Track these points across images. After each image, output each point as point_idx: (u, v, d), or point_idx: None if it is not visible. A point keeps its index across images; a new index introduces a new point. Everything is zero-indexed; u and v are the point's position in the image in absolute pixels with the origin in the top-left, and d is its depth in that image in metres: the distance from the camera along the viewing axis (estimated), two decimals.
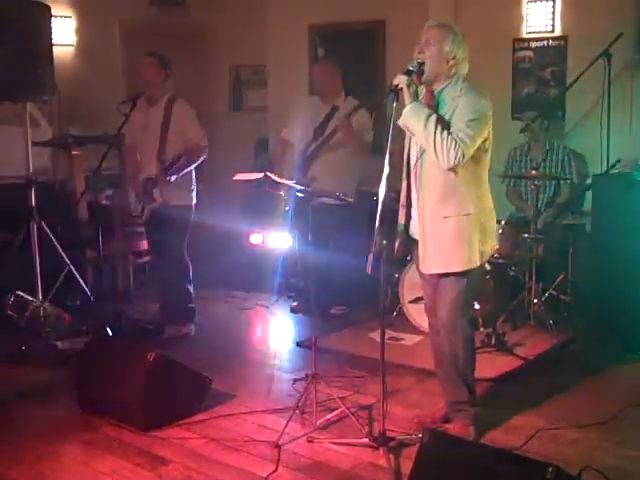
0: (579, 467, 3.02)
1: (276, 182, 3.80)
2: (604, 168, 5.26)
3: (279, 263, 6.26)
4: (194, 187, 5.33)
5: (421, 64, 3.48)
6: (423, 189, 3.58)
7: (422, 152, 3.55)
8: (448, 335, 3.65)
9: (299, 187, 3.86)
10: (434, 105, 3.52)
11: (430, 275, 3.68)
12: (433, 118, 3.41)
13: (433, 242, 3.58)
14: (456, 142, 3.37)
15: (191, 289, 5.44)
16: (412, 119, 3.45)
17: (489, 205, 3.65)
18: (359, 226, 5.47)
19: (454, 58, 3.50)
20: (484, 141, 3.51)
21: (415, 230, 3.68)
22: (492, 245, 3.68)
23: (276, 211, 5.80)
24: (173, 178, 5.11)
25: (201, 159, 5.23)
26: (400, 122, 3.50)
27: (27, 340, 5.04)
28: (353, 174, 5.69)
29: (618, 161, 5.17)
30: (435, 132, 3.38)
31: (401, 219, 3.73)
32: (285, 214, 5.62)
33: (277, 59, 7.43)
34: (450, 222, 3.52)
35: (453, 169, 3.45)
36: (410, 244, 3.73)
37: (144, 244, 6.15)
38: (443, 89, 3.54)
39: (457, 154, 3.38)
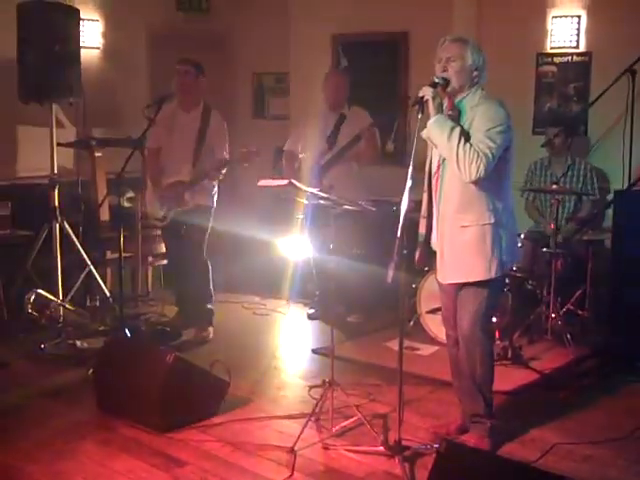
0: None
1: (300, 189, 3.82)
2: (626, 184, 5.26)
3: (296, 270, 6.28)
4: (216, 190, 5.38)
5: (446, 80, 3.50)
6: (443, 199, 3.60)
7: (443, 162, 3.57)
8: (467, 346, 3.66)
9: (323, 194, 3.88)
10: (456, 115, 3.54)
11: (448, 285, 3.69)
12: (457, 131, 3.43)
13: (451, 251, 3.59)
14: (478, 155, 3.39)
15: (211, 290, 5.47)
16: (436, 131, 3.47)
17: (511, 216, 3.66)
18: (378, 235, 5.50)
19: (477, 69, 3.54)
20: (505, 150, 3.51)
21: (435, 241, 3.70)
22: (512, 256, 3.68)
23: (294, 218, 5.84)
24: (220, 177, 5.26)
25: (223, 172, 5.30)
26: (424, 134, 3.52)
27: (47, 339, 5.10)
28: (365, 182, 5.77)
29: None
30: (458, 145, 3.40)
31: (422, 230, 3.76)
32: (301, 222, 5.67)
33: (300, 68, 7.47)
34: (469, 231, 3.53)
35: (474, 182, 3.46)
36: (430, 255, 3.75)
37: (162, 247, 6.19)
38: (463, 99, 3.56)
39: (479, 167, 3.39)
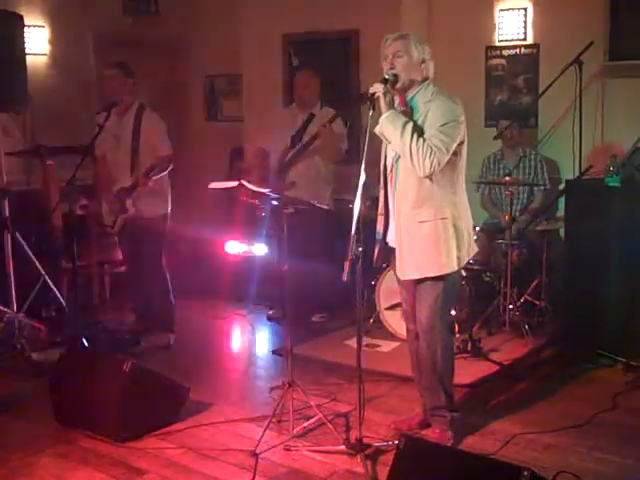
0: (554, 471, 3.06)
1: (251, 190, 3.80)
2: (576, 174, 5.32)
3: (254, 271, 6.26)
4: (168, 196, 5.33)
5: (396, 75, 3.51)
6: (398, 195, 3.60)
7: (397, 158, 3.58)
8: (427, 340, 3.67)
9: (274, 195, 3.86)
10: (409, 111, 3.55)
11: (407, 281, 3.69)
12: (409, 126, 3.43)
13: (409, 247, 3.59)
14: (431, 149, 3.40)
15: (171, 298, 5.43)
16: (389, 127, 3.47)
17: (465, 210, 3.68)
18: (336, 234, 5.49)
19: (423, 61, 3.55)
20: (459, 144, 3.53)
21: (393, 238, 3.70)
22: (469, 250, 3.70)
23: (249, 220, 5.82)
24: (150, 184, 5.07)
25: (169, 169, 5.22)
26: (377, 130, 3.52)
27: (1, 352, 5.01)
28: (330, 181, 5.77)
29: (590, 167, 5.22)
30: (411, 140, 3.41)
31: (379, 228, 3.76)
32: (261, 222, 5.65)
33: (252, 69, 7.44)
34: (426, 227, 3.54)
35: (429, 176, 3.47)
36: (388, 252, 3.75)
37: (119, 254, 6.12)
38: (415, 95, 3.57)
39: (432, 162, 3.40)
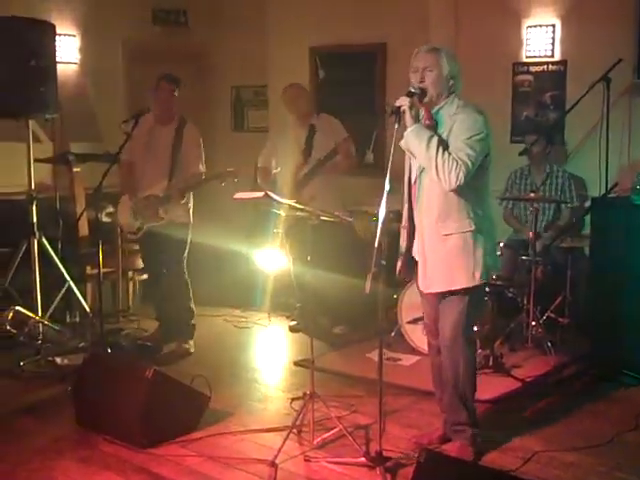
0: None
1: (276, 201, 3.81)
2: (602, 191, 5.29)
3: (276, 283, 6.28)
4: (191, 205, 5.38)
5: (423, 89, 3.51)
6: (423, 208, 3.60)
7: (421, 171, 3.58)
8: (450, 355, 3.66)
9: (300, 206, 3.88)
10: (433, 124, 3.55)
11: (430, 294, 3.69)
12: (435, 140, 3.44)
13: (433, 260, 3.59)
14: (457, 163, 3.40)
15: (192, 306, 5.46)
16: (414, 141, 3.48)
17: (491, 223, 3.68)
18: (358, 246, 5.51)
19: (453, 77, 3.55)
20: (484, 157, 3.53)
21: (417, 251, 3.70)
22: (494, 263, 3.69)
23: (271, 231, 5.86)
24: (184, 200, 5.23)
25: (202, 185, 5.30)
26: (402, 144, 3.53)
27: (26, 356, 5.06)
28: (343, 194, 5.83)
29: (616, 185, 5.20)
30: (437, 154, 3.41)
31: (403, 241, 3.76)
32: (276, 234, 5.69)
33: (278, 80, 7.44)
34: (451, 240, 3.54)
35: (454, 189, 3.47)
36: (412, 265, 3.75)
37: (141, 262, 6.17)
38: (440, 108, 3.57)
39: (458, 175, 3.40)
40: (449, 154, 3.42)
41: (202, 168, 5.32)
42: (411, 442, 3.85)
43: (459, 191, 3.49)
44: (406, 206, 3.73)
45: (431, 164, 3.44)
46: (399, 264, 3.77)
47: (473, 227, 3.55)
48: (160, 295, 5.59)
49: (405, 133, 3.50)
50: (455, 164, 3.40)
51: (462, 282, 3.56)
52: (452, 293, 3.59)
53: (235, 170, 5.20)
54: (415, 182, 3.64)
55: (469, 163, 3.42)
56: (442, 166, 3.41)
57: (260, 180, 5.89)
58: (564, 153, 6.05)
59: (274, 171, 5.82)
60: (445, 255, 3.57)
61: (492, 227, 3.70)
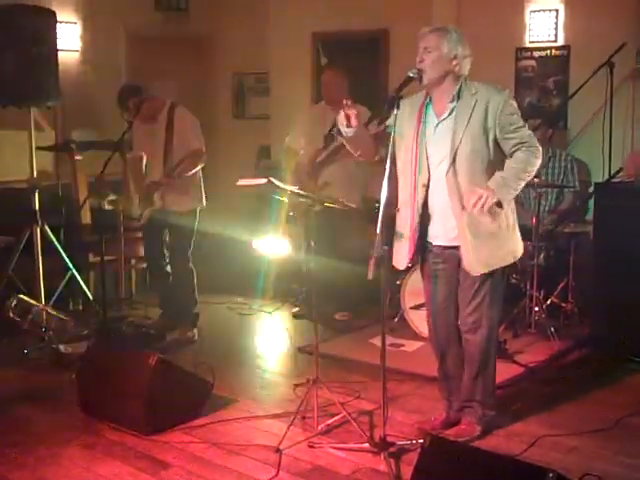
0: (579, 474, 3.04)
1: (279, 188, 3.81)
2: (606, 176, 5.28)
3: (277, 269, 6.27)
4: (200, 193, 5.36)
5: (420, 71, 3.48)
6: (461, 194, 3.53)
7: (452, 160, 3.51)
8: (487, 333, 3.67)
9: (303, 193, 3.87)
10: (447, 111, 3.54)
11: (456, 274, 3.67)
12: (506, 175, 3.47)
13: (474, 243, 3.56)
14: (531, 153, 3.47)
15: (195, 294, 5.46)
16: (509, 194, 3.50)
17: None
18: (364, 232, 5.50)
19: (455, 57, 3.50)
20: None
21: (434, 234, 3.66)
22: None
23: (275, 217, 5.83)
24: (176, 180, 5.14)
25: (200, 165, 5.26)
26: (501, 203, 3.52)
27: (29, 344, 5.07)
28: (361, 182, 5.76)
29: (620, 170, 5.18)
30: (521, 176, 3.48)
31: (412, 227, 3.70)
32: (280, 220, 5.67)
33: (280, 67, 7.46)
34: (493, 221, 3.56)
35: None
36: (422, 250, 3.71)
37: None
38: (460, 90, 3.53)
39: (538, 158, 3.49)
40: (516, 161, 3.47)
41: (198, 145, 5.23)
42: (414, 427, 3.85)
43: (489, 171, 3.50)
44: (421, 193, 3.61)
45: (527, 179, 3.51)
46: (411, 250, 3.67)
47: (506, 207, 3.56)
48: (163, 283, 5.59)
49: (497, 193, 3.46)
50: (529, 157, 3.46)
51: (505, 260, 3.62)
52: (487, 275, 3.60)
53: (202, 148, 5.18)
54: (448, 172, 3.55)
55: (534, 142, 3.48)
56: (526, 174, 3.48)
57: (285, 160, 5.88)
58: (567, 138, 6.03)
59: (301, 152, 5.78)
60: (488, 235, 3.56)
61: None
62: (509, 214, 3.62)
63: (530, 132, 3.54)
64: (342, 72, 5.81)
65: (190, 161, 5.18)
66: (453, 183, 3.54)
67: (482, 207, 3.40)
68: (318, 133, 5.64)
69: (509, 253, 3.65)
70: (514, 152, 3.51)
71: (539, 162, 3.51)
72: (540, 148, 3.52)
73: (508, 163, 3.51)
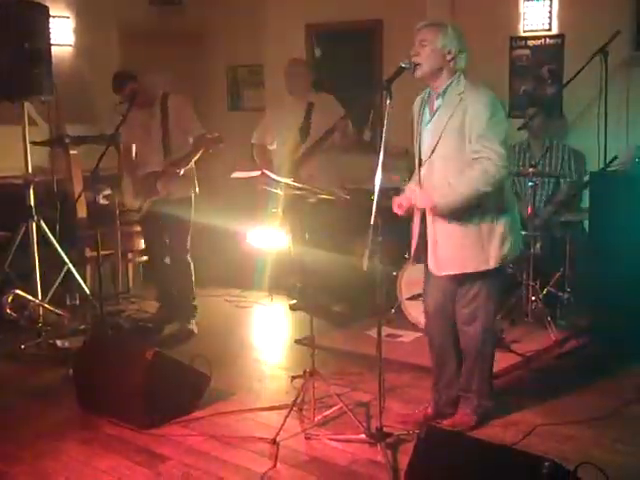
0: (576, 463, 3.02)
1: (273, 180, 3.81)
2: (601, 165, 5.28)
3: (271, 262, 6.26)
4: (195, 179, 5.35)
5: (414, 64, 3.48)
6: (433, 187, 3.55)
7: (432, 152, 3.53)
8: (482, 327, 3.68)
9: (297, 184, 3.87)
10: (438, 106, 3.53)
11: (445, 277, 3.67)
12: (451, 187, 3.44)
13: (450, 243, 3.57)
14: (481, 165, 3.40)
15: (194, 288, 5.46)
16: (446, 206, 3.47)
17: (510, 204, 3.67)
18: (356, 224, 5.49)
19: (450, 52, 3.50)
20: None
21: (429, 231, 3.66)
22: (512, 246, 3.66)
23: (269, 210, 5.83)
24: (182, 171, 5.13)
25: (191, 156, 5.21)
26: (442, 211, 3.52)
27: (26, 339, 5.07)
28: (341, 172, 5.81)
29: (615, 158, 5.18)
30: (465, 188, 3.43)
31: (416, 220, 3.73)
32: (277, 213, 5.66)
33: (274, 59, 7.43)
34: (460, 225, 3.54)
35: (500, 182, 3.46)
36: (426, 248, 3.70)
37: (142, 243, 6.16)
38: (448, 86, 3.53)
39: (494, 177, 3.41)
40: (469, 171, 3.41)
41: (202, 130, 5.21)
42: (397, 421, 3.81)
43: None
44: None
45: (473, 193, 3.43)
46: (413, 246, 3.75)
47: (494, 210, 3.54)
48: (162, 276, 5.59)
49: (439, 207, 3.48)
50: (479, 173, 3.40)
51: (477, 265, 3.57)
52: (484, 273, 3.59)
53: (219, 135, 5.13)
54: (422, 164, 3.61)
55: (496, 157, 3.39)
56: (475, 183, 3.41)
57: (257, 158, 5.87)
58: (563, 127, 6.02)
59: (270, 147, 5.79)
60: (454, 238, 3.56)
61: (511, 207, 3.66)
62: (492, 221, 3.55)
63: (497, 148, 3.41)
64: (305, 64, 5.83)
65: (183, 155, 5.15)
66: (430, 182, 3.57)
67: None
68: (291, 127, 5.64)
69: (483, 261, 3.57)
70: (474, 160, 3.45)
71: (492, 180, 3.41)
72: (499, 165, 3.40)
73: (465, 171, 3.46)
